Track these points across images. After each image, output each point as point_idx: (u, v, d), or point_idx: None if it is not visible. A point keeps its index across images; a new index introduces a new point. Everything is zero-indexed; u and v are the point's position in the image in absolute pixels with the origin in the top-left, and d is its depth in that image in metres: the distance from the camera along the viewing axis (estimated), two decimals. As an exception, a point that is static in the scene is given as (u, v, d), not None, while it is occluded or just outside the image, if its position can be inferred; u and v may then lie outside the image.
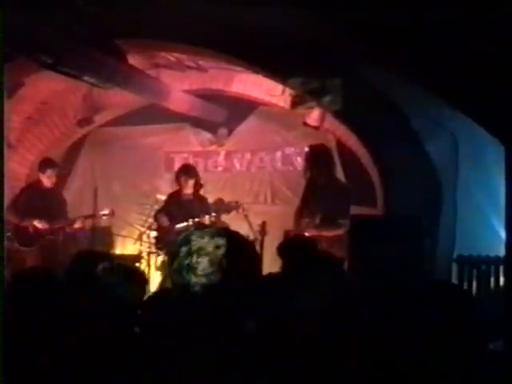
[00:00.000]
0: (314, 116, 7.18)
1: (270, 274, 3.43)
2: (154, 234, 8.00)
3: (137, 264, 7.64)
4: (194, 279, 1.81)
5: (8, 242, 7.18)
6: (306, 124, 7.39)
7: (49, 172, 7.90)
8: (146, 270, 7.64)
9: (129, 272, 3.09)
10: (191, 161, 9.03)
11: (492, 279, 6.50)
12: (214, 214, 7.43)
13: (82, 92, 8.45)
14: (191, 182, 7.69)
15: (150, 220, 8.28)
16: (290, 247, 4.69)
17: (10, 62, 5.78)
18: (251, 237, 6.92)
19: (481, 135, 5.50)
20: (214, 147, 9.36)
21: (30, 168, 8.73)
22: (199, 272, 1.81)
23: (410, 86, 5.72)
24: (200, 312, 1.83)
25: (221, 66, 8.02)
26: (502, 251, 5.51)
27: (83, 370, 2.46)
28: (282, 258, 4.52)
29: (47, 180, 7.91)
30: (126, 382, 1.86)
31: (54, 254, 7.67)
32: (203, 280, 1.80)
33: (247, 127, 9.16)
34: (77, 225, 7.90)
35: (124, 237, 8.89)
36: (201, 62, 8.13)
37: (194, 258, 1.82)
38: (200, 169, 8.50)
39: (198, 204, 7.64)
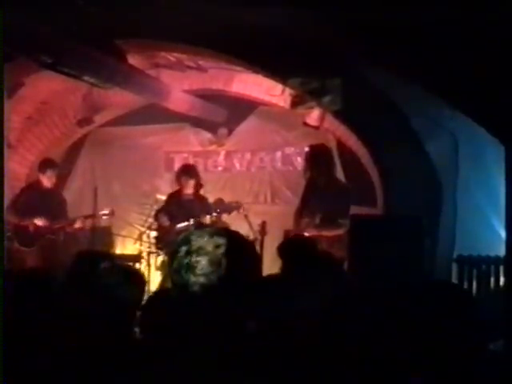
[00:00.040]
0: (313, 116, 7.18)
1: (270, 274, 3.43)
2: (154, 233, 8.00)
3: (137, 264, 7.65)
4: (192, 278, 1.81)
5: (8, 242, 7.18)
6: (305, 124, 7.39)
7: (49, 173, 7.91)
8: (146, 270, 7.65)
9: (128, 273, 3.08)
10: (191, 161, 9.03)
11: (492, 279, 6.50)
12: (214, 213, 7.44)
13: (82, 92, 8.45)
14: (192, 182, 7.69)
15: (150, 220, 8.28)
16: (290, 247, 4.69)
17: (10, 62, 5.78)
18: (251, 237, 6.92)
19: (481, 135, 5.50)
20: (213, 147, 9.36)
21: (29, 168, 8.72)
22: (198, 271, 1.81)
23: (410, 86, 5.72)
24: (199, 311, 1.83)
25: (221, 66, 8.02)
26: (502, 251, 5.51)
27: (83, 370, 2.46)
28: (282, 258, 4.52)
29: (47, 180, 7.92)
30: (125, 382, 1.86)
31: (54, 254, 7.67)
32: (202, 279, 1.80)
33: (247, 127, 9.16)
34: (77, 225, 7.90)
35: (124, 237, 8.89)
36: (201, 62, 8.13)
37: (194, 258, 1.82)
38: (200, 169, 8.50)
39: (199, 204, 7.64)
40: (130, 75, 6.75)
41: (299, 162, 8.55)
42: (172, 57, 7.86)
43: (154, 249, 7.85)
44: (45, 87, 8.26)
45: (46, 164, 8.01)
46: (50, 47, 5.62)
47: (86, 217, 7.95)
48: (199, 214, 7.41)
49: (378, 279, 4.95)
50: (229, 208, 7.56)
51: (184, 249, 1.85)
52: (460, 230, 6.71)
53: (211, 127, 9.24)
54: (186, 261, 1.82)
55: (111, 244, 8.83)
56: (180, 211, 7.56)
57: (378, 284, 4.66)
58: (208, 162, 9.36)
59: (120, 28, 6.21)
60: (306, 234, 6.34)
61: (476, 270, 6.57)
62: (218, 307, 1.82)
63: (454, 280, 6.41)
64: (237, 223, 7.39)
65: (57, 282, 3.27)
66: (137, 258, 7.95)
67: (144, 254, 8.05)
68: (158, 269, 7.71)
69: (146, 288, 3.57)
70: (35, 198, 7.80)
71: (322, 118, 7.18)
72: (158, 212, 7.88)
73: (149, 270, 7.70)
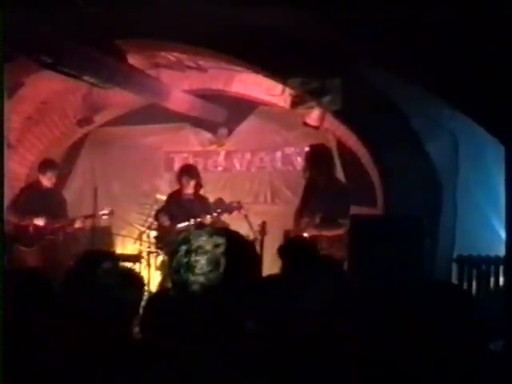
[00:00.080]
0: (313, 116, 7.18)
1: (270, 274, 3.43)
2: (154, 233, 8.01)
3: (137, 264, 7.65)
4: (192, 278, 1.81)
5: (8, 242, 7.18)
6: (305, 124, 7.39)
7: (49, 174, 7.92)
8: (146, 270, 7.65)
9: (126, 275, 3.09)
10: (191, 160, 9.03)
11: (492, 279, 6.50)
12: (215, 213, 7.44)
13: (82, 92, 8.45)
14: (192, 183, 7.70)
15: (150, 220, 8.28)
16: (291, 249, 4.68)
17: (10, 62, 5.78)
18: (251, 237, 6.92)
19: (481, 135, 5.50)
20: (213, 147, 9.36)
21: (29, 168, 8.72)
22: (197, 271, 1.81)
23: (410, 86, 5.72)
24: (198, 311, 1.83)
25: (221, 66, 8.02)
26: (502, 251, 5.51)
27: (83, 370, 2.46)
28: (283, 259, 4.52)
29: (47, 181, 7.93)
30: (126, 382, 1.86)
31: (55, 254, 7.68)
32: (201, 279, 1.80)
33: (247, 127, 9.16)
34: (77, 224, 7.91)
35: (124, 236, 8.89)
36: (201, 62, 8.13)
37: (193, 257, 1.82)
38: (200, 169, 8.49)
39: (199, 204, 7.65)
40: (129, 75, 6.75)
41: (299, 162, 8.55)
42: (172, 57, 7.86)
43: (153, 248, 7.86)
44: (45, 87, 8.26)
45: (45, 165, 8.01)
46: (50, 47, 5.61)
47: (86, 217, 7.95)
48: (200, 214, 7.41)
49: (378, 279, 4.95)
50: (230, 208, 7.56)
51: (183, 248, 1.85)
52: (460, 230, 6.71)
53: (211, 127, 9.24)
54: (186, 260, 1.83)
55: (111, 244, 8.84)
56: (180, 211, 7.57)
57: (378, 284, 4.65)
58: (208, 162, 9.36)
59: (120, 28, 6.21)
60: (306, 235, 6.34)
61: (476, 270, 6.57)
62: (217, 307, 1.82)
63: (454, 280, 6.40)
64: (237, 223, 7.39)
65: (57, 282, 3.26)
66: (137, 257, 7.94)
67: (144, 254, 8.05)
68: (157, 269, 7.71)
69: (145, 289, 3.57)
70: (35, 198, 7.80)
71: (322, 118, 7.18)
72: (159, 212, 7.88)
73: (149, 269, 7.71)
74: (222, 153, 9.35)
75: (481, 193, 6.75)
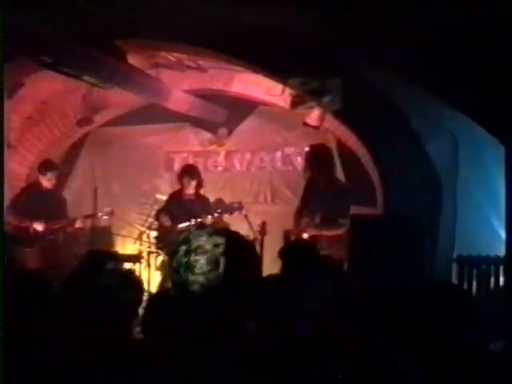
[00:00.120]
0: (313, 116, 7.18)
1: (270, 274, 3.43)
2: (154, 233, 8.01)
3: (137, 264, 7.65)
4: (191, 277, 1.81)
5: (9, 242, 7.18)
6: (305, 124, 7.39)
7: (49, 175, 7.91)
8: (146, 270, 7.65)
9: (128, 276, 3.09)
10: (191, 160, 9.03)
11: (492, 279, 6.50)
12: (216, 214, 7.44)
13: (82, 92, 8.45)
14: (194, 183, 7.70)
15: (150, 220, 8.29)
16: (292, 251, 4.68)
17: (10, 61, 5.78)
18: (251, 237, 6.93)
19: (481, 135, 5.50)
20: (213, 147, 9.36)
21: (29, 168, 8.72)
22: (197, 270, 1.81)
23: (410, 86, 5.72)
24: (198, 311, 1.83)
25: (221, 66, 8.02)
26: (502, 251, 5.51)
27: (83, 369, 2.46)
28: (283, 259, 4.51)
29: (47, 182, 7.92)
30: (126, 382, 1.86)
31: (55, 254, 7.68)
32: (201, 278, 1.80)
33: (247, 127, 9.16)
34: (77, 224, 7.90)
35: (124, 236, 8.89)
36: (201, 62, 8.13)
37: (192, 257, 1.82)
38: (200, 169, 8.50)
39: (200, 204, 7.65)
40: (129, 75, 6.75)
41: (299, 161, 8.55)
42: (172, 57, 7.86)
43: (154, 249, 7.86)
44: (45, 87, 8.26)
45: (45, 166, 8.00)
46: (50, 47, 5.61)
47: (86, 217, 7.96)
48: (200, 214, 7.41)
49: (378, 279, 4.95)
50: (230, 208, 7.56)
51: (183, 248, 1.85)
52: (460, 230, 6.71)
53: (211, 127, 9.24)
54: (185, 260, 1.83)
55: (111, 244, 8.84)
56: (181, 211, 7.57)
57: (378, 284, 4.65)
58: (208, 161, 9.36)
59: (120, 28, 6.21)
60: (306, 234, 6.34)
61: (476, 270, 6.57)
62: (217, 306, 1.82)
63: (454, 280, 6.40)
64: (237, 223, 7.39)
65: (57, 282, 3.27)
66: (137, 257, 7.94)
67: (144, 254, 8.05)
68: (157, 269, 7.71)
69: (145, 290, 3.57)
70: (35, 198, 7.80)
71: (322, 118, 7.18)
72: (159, 212, 7.88)
73: (149, 269, 7.71)
74: (222, 153, 9.35)
75: (481, 193, 6.75)
